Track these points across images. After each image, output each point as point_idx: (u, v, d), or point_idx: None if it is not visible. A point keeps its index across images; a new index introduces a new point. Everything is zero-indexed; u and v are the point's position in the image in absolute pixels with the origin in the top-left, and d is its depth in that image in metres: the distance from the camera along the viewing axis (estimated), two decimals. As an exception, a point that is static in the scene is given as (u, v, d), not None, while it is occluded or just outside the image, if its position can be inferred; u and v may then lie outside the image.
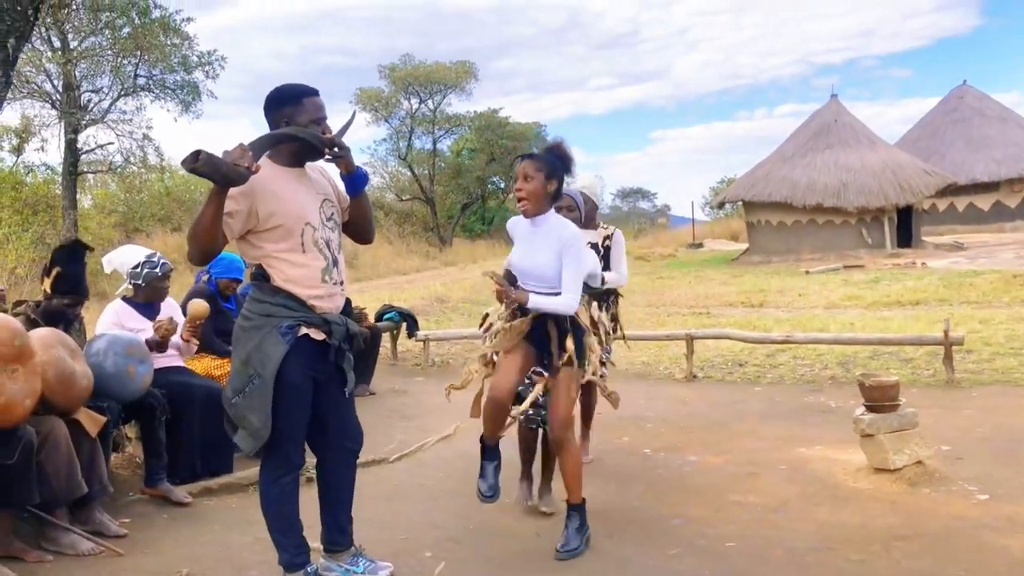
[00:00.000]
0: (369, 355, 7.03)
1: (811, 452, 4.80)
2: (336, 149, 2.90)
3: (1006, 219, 25.31)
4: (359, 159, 3.23)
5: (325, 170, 3.12)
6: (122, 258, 4.64)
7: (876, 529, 3.58)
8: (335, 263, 2.99)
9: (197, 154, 2.53)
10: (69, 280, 4.06)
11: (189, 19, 19.31)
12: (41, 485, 3.32)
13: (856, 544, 3.42)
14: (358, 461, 3.23)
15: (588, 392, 4.51)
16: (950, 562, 3.21)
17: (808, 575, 3.19)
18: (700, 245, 29.34)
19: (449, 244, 29.43)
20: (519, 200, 3.37)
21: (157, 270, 4.49)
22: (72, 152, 18.54)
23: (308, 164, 3.02)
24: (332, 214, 3.04)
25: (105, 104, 19.34)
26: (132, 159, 20.29)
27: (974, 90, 28.33)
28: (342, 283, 3.04)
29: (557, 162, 3.39)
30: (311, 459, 3.18)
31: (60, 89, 18.56)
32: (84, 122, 18.67)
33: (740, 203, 24.03)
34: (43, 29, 16.88)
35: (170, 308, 4.62)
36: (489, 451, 3.51)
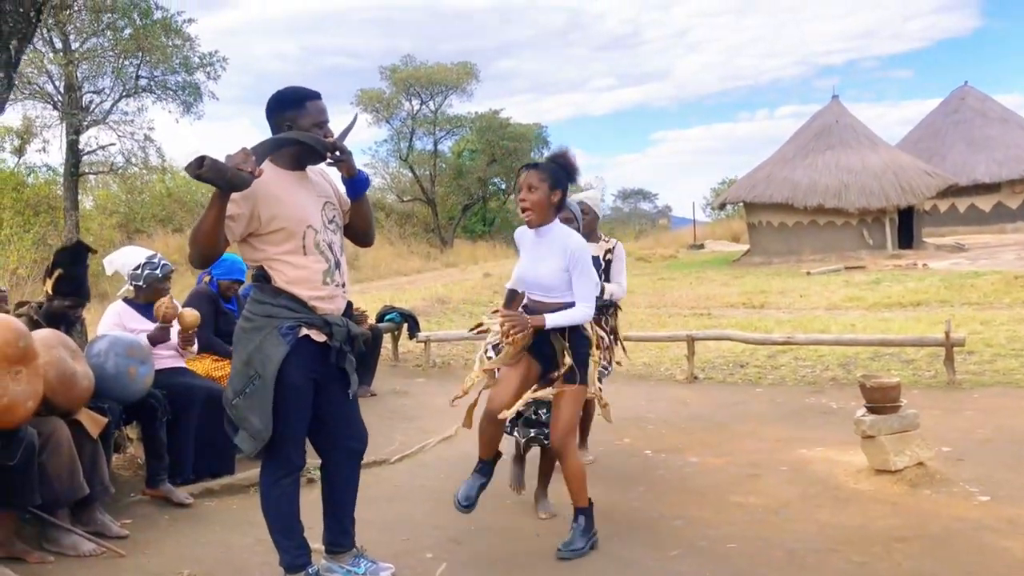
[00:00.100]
0: (370, 356, 7.04)
1: (812, 453, 4.80)
2: (338, 153, 2.90)
3: (1007, 220, 25.30)
4: (360, 160, 3.23)
5: (326, 172, 3.13)
6: (123, 259, 4.65)
7: (877, 530, 3.58)
8: (337, 265, 3.00)
9: (201, 160, 2.53)
10: (71, 281, 4.06)
11: (190, 20, 19.32)
12: (43, 486, 3.32)
13: (857, 545, 3.42)
14: (359, 463, 3.23)
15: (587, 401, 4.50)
16: (951, 564, 3.21)
17: (809, 576, 3.19)
18: (701, 246, 29.34)
19: (450, 245, 29.42)
20: (523, 211, 3.36)
21: (157, 271, 4.50)
22: (74, 153, 18.56)
23: (309, 167, 3.02)
24: (334, 216, 3.04)
25: (107, 105, 19.37)
26: (133, 160, 20.31)
27: (975, 91, 28.32)
28: (343, 285, 3.04)
29: (561, 172, 3.38)
30: (312, 460, 3.18)
31: (62, 90, 18.57)
32: (86, 123, 18.68)
33: (741, 204, 24.03)
34: (45, 30, 16.89)
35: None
36: (483, 465, 3.49)
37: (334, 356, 2.96)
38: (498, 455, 3.55)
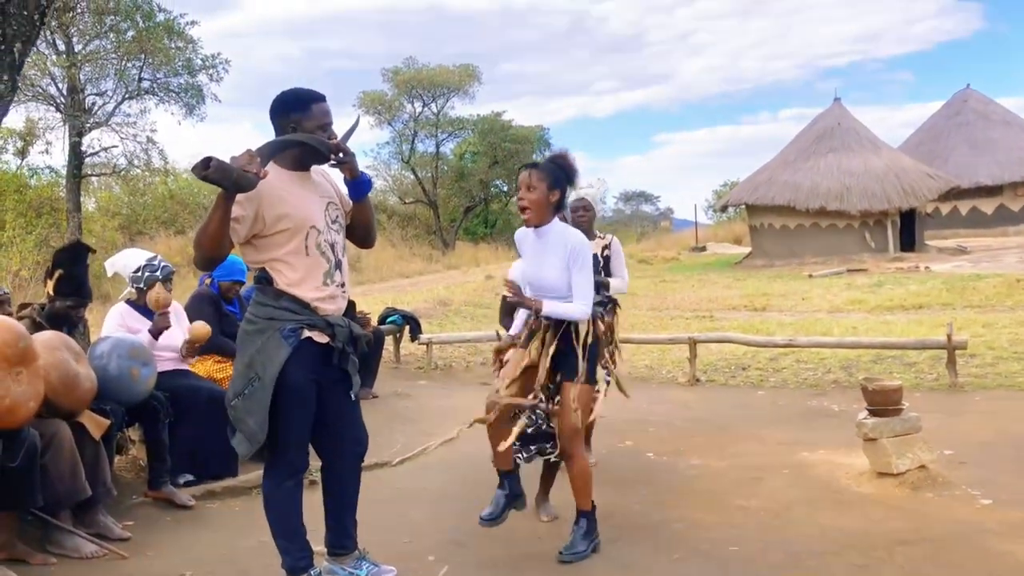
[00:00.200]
0: (372, 358, 7.04)
1: (814, 456, 4.80)
2: (341, 155, 2.91)
3: (1009, 223, 25.25)
4: (362, 162, 3.24)
5: (327, 172, 3.13)
6: (123, 261, 4.67)
7: (879, 534, 3.58)
8: (338, 265, 3.00)
9: (208, 161, 2.54)
10: (72, 281, 4.07)
11: (193, 22, 19.34)
12: (45, 488, 3.32)
13: (859, 548, 3.42)
14: (361, 464, 3.23)
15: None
16: (953, 567, 3.21)
17: (811, 579, 3.19)
18: (703, 248, 29.30)
19: (452, 247, 29.42)
20: (522, 210, 3.37)
21: (158, 273, 4.51)
22: (76, 155, 18.58)
23: (311, 167, 3.03)
24: (336, 216, 3.05)
25: (109, 107, 19.36)
26: (136, 162, 20.29)
27: (977, 94, 28.28)
28: (343, 285, 3.04)
29: (560, 172, 3.39)
30: (314, 462, 3.18)
31: (64, 92, 18.58)
32: (88, 125, 18.68)
33: (743, 206, 24.00)
34: (48, 33, 16.92)
35: (174, 312, 4.63)
36: (505, 478, 3.50)
37: (336, 357, 2.96)
38: (517, 466, 3.55)
